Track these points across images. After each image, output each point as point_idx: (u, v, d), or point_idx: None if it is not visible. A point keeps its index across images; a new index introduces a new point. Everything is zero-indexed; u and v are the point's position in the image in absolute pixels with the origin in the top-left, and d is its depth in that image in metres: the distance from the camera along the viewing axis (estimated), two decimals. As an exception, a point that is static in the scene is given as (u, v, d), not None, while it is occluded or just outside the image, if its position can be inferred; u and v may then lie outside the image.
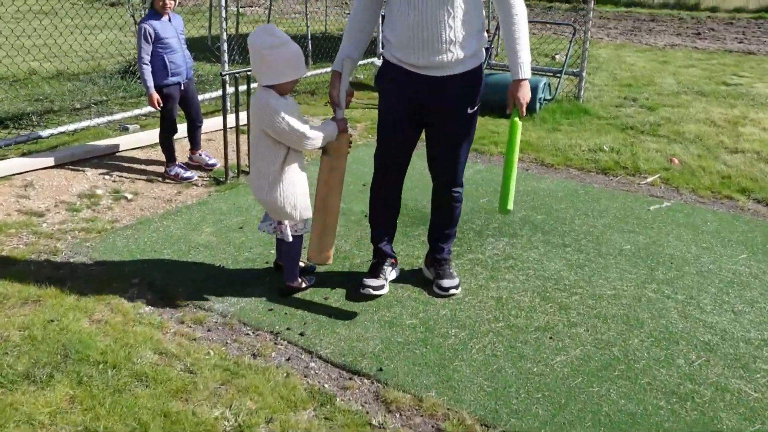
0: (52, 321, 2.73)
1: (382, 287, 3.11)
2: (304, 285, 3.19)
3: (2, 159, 4.63)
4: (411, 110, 2.97)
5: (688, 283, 3.36)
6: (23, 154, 4.84)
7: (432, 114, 2.95)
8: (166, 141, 4.75)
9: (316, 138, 2.88)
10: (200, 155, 5.00)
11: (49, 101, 6.41)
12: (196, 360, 2.56)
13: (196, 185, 4.68)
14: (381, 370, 2.60)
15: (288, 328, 2.88)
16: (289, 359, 2.67)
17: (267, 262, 3.48)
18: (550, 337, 2.86)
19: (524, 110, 2.85)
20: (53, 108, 6.19)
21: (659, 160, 5.34)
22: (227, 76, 4.67)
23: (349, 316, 2.98)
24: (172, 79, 4.59)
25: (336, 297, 3.15)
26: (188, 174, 4.75)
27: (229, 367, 2.54)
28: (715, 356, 2.75)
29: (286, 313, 3.00)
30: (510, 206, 2.77)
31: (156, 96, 4.53)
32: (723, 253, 3.71)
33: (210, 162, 4.99)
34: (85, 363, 2.46)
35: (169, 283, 3.23)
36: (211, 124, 5.58)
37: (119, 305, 2.97)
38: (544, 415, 2.38)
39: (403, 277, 3.35)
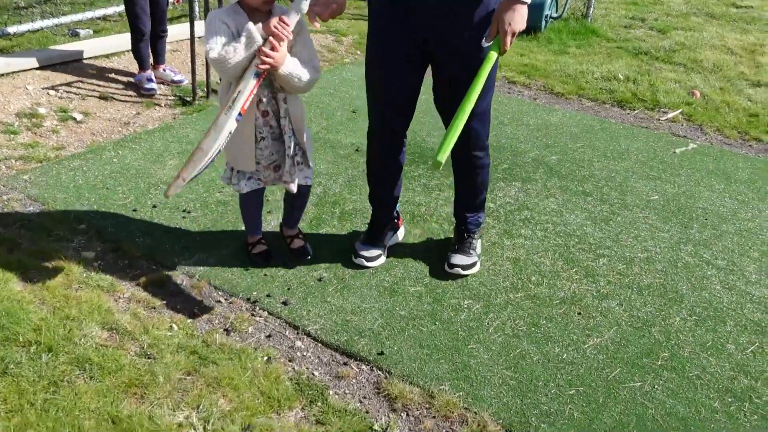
0: (-27, 284, 2.19)
1: (378, 257, 2.60)
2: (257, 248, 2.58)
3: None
4: (413, 46, 2.28)
5: (727, 245, 2.93)
6: (-47, 60, 4.11)
7: (440, 50, 2.26)
8: (138, 45, 4.07)
9: (223, 56, 2.01)
10: (164, 70, 4.33)
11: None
12: (156, 339, 2.07)
13: (159, 105, 4.04)
14: (382, 353, 2.15)
15: (268, 295, 2.39)
16: (269, 336, 2.19)
17: (242, 206, 2.94)
18: (579, 313, 2.42)
19: (508, 42, 2.07)
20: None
21: (679, 93, 4.82)
22: (195, -24, 3.93)
23: (342, 280, 2.50)
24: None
25: (325, 255, 2.65)
26: (150, 86, 4.11)
27: (196, 348, 2.06)
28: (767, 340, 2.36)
29: (265, 275, 2.50)
30: (442, 159, 1.97)
31: None
32: (762, 209, 3.28)
33: (176, 78, 4.32)
34: (12, 344, 1.95)
35: (123, 231, 2.69)
36: (175, 33, 4.85)
37: (61, 261, 2.43)
38: (580, 420, 1.96)
39: (404, 230, 2.85)
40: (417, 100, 2.44)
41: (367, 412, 1.92)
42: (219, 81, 4.21)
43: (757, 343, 2.34)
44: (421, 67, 2.36)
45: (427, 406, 1.96)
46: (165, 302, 2.30)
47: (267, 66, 2.03)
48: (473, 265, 2.59)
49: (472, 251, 2.61)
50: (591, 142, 3.95)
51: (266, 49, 2.02)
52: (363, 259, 2.56)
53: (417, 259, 2.66)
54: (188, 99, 4.14)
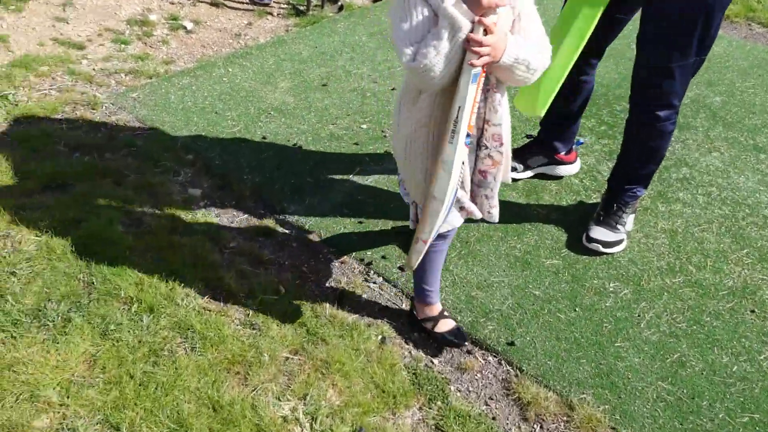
0: (78, 221, 2.06)
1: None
2: (442, 325, 1.85)
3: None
4: None
5: None
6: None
7: None
8: None
9: (428, 66, 1.35)
10: (277, -27, 3.97)
11: None
12: (261, 305, 1.87)
13: (271, 14, 3.73)
14: (513, 344, 1.86)
15: (384, 257, 2.13)
16: (384, 308, 1.95)
17: (357, 143, 2.66)
18: (752, 310, 2.01)
19: None
20: None
21: None
22: None
23: (466, 243, 2.19)
24: None
25: (448, 209, 2.34)
26: (265, -5, 3.79)
27: (305, 320, 1.84)
28: None
29: (380, 230, 2.23)
30: (541, 111, 1.89)
31: None
32: None
33: (289, -17, 3.96)
34: (114, 300, 1.81)
35: (231, 165, 2.48)
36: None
37: (167, 198, 2.26)
38: (754, 457, 1.62)
39: (539, 187, 2.48)
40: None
41: (494, 419, 1.67)
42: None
43: None
44: None
45: (565, 418, 1.68)
46: (272, 256, 2.09)
47: (485, 59, 1.36)
48: (618, 243, 2.18)
49: (620, 226, 2.20)
50: (764, 80, 3.31)
51: (478, 35, 1.34)
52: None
53: (555, 225, 2.30)
54: (302, 8, 3.80)
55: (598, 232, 2.18)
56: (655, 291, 2.05)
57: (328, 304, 1.92)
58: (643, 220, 2.34)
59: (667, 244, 2.24)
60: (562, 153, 2.48)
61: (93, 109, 2.74)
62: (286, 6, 3.84)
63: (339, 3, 3.85)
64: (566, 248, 2.20)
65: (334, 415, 1.59)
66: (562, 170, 2.51)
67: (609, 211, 2.22)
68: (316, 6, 3.83)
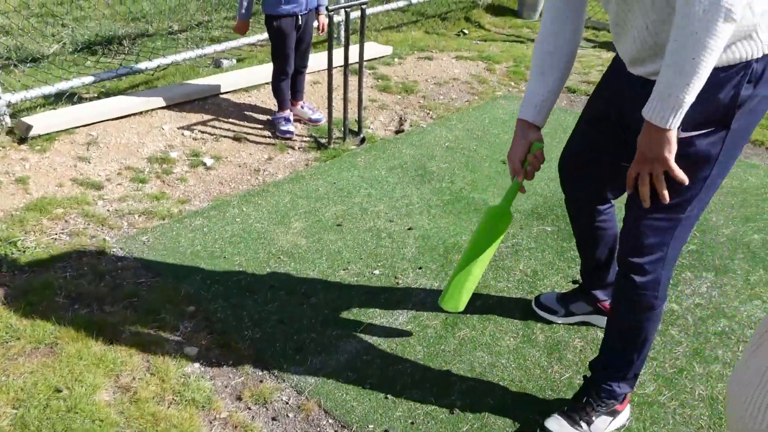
0: (59, 391, 1.94)
1: (553, 313, 2.05)
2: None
3: (74, 103, 3.91)
4: (608, 111, 1.82)
5: None
6: (99, 96, 4.09)
7: (628, 132, 1.68)
8: (279, 84, 3.83)
9: None
10: (302, 107, 4.04)
11: (145, 22, 5.64)
12: (246, 493, 1.69)
13: (293, 148, 3.75)
14: None
15: (387, 430, 1.93)
16: (384, 498, 1.74)
17: (368, 292, 2.53)
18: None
19: (633, 178, 1.59)
20: (148, 31, 5.41)
21: None
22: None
23: (480, 415, 1.99)
24: (286, 8, 3.58)
25: (461, 371, 2.15)
26: (287, 128, 3.83)
27: None
28: None
29: (386, 397, 2.05)
30: (452, 305, 2.03)
31: (245, 24, 3.65)
32: None
33: (313, 117, 4.02)
34: (83, 489, 1.65)
35: (233, 319, 2.37)
36: (315, 63, 4.56)
37: (160, 358, 2.14)
38: None
39: (562, 344, 2.29)
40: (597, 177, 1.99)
41: None
42: (358, 119, 3.85)
43: None
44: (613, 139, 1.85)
45: None
46: (265, 430, 1.92)
47: None
48: None
49: (582, 424, 1.87)
50: (808, 215, 3.11)
51: None
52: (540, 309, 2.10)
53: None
54: (323, 141, 3.82)
55: (554, 424, 1.88)
56: (696, 478, 1.80)
57: (320, 493, 1.72)
58: (677, 383, 2.11)
59: (707, 416, 1.99)
60: (606, 302, 2.29)
61: (100, 255, 2.70)
62: (308, 139, 3.87)
63: (361, 135, 3.86)
64: (592, 421, 1.97)
65: None
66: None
67: (578, 402, 1.92)
68: (338, 138, 3.85)
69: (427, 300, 2.49)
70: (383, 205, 3.14)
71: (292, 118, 3.94)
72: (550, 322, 2.37)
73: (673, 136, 1.47)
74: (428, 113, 4.28)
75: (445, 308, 2.00)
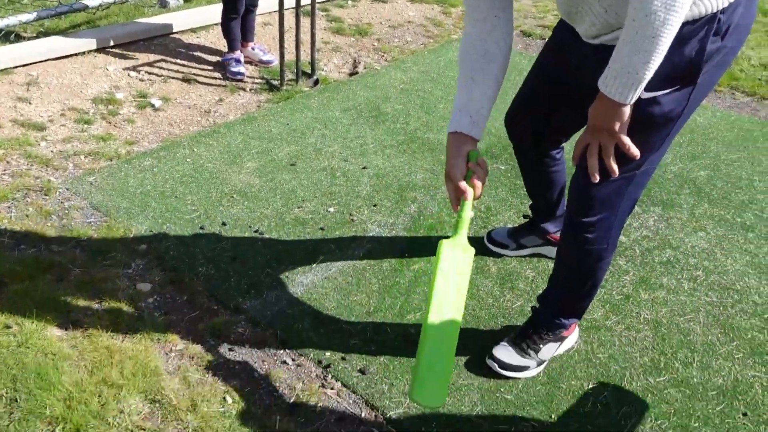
0: (9, 327, 1.89)
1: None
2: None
3: (9, 42, 3.71)
4: (560, 66, 1.77)
5: None
6: (37, 35, 3.89)
7: (581, 89, 1.62)
8: (228, 24, 3.71)
9: None
10: (253, 49, 3.94)
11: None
12: (203, 419, 1.69)
13: (244, 89, 3.67)
14: (481, 461, 1.67)
15: (344, 358, 1.96)
16: (341, 419, 1.77)
17: (322, 228, 2.52)
18: (744, 413, 1.83)
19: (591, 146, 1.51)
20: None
21: None
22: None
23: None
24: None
25: (415, 301, 2.19)
26: (237, 69, 3.73)
27: (250, 438, 1.66)
28: None
29: (343, 327, 2.07)
30: (418, 397, 1.38)
31: None
32: None
33: (264, 59, 3.92)
34: (36, 420, 1.63)
35: (186, 256, 2.33)
36: (267, 4, 4.43)
37: (112, 294, 2.11)
38: None
39: (514, 275, 2.34)
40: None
41: None
42: (311, 61, 3.79)
43: None
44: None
45: None
46: (221, 360, 1.92)
47: None
48: (521, 369, 1.90)
49: (530, 352, 1.91)
50: (750, 153, 3.22)
51: None
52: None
53: (526, 315, 2.13)
54: (275, 82, 3.74)
55: (501, 352, 1.91)
56: (638, 392, 1.88)
57: (278, 417, 1.74)
58: (624, 309, 2.19)
59: (651, 338, 2.08)
60: (556, 234, 2.34)
61: (46, 195, 2.61)
62: (260, 81, 3.78)
63: (315, 77, 3.79)
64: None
65: None
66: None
67: (525, 332, 1.95)
68: (290, 81, 3.77)
69: (382, 236, 2.50)
70: (337, 146, 3.11)
71: (242, 59, 3.84)
72: (502, 256, 2.41)
73: (629, 110, 1.41)
74: (383, 56, 4.22)
75: (421, 402, 1.39)
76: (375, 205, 2.67)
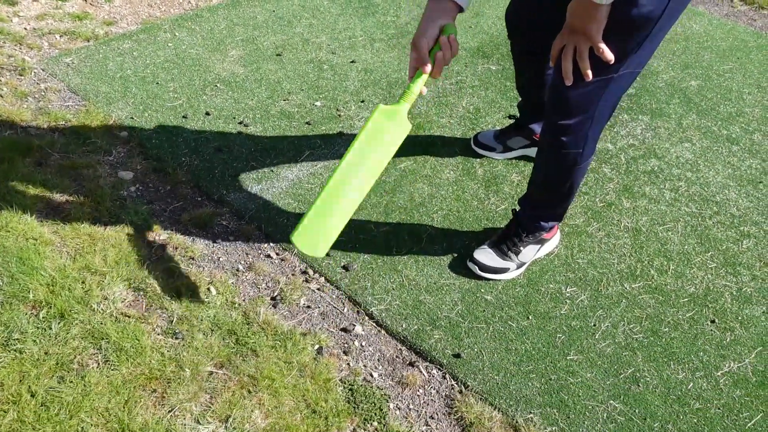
0: (-12, 210, 1.87)
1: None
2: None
3: None
4: None
5: None
6: None
7: None
8: None
9: None
10: (235, -75, 3.68)
11: None
12: (188, 309, 1.72)
13: (228, -29, 3.46)
14: (459, 356, 1.74)
15: (328, 254, 1.97)
16: (324, 314, 1.81)
17: (309, 123, 2.47)
18: (712, 320, 1.91)
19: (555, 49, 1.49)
20: None
21: None
22: None
23: (419, 240, 2.05)
24: None
25: (401, 202, 2.19)
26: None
27: (234, 326, 1.70)
28: None
29: (327, 223, 2.07)
30: (297, 241, 1.44)
31: None
32: None
33: (248, -63, 3.67)
34: (21, 304, 1.64)
35: (168, 145, 2.29)
36: None
37: (93, 182, 2.07)
38: (703, 484, 1.54)
39: (500, 177, 2.33)
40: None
41: (433, 442, 1.55)
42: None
43: None
44: None
45: (508, 442, 1.57)
46: (206, 251, 1.93)
47: None
48: (501, 271, 1.93)
49: (510, 254, 1.94)
50: (743, 64, 3.17)
51: None
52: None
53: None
54: (261, -35, 3.53)
55: (482, 254, 1.94)
56: (614, 297, 1.94)
57: (262, 309, 1.78)
58: (606, 216, 2.22)
59: (630, 245, 2.12)
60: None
61: (21, 75, 2.51)
62: (244, -37, 3.57)
63: (302, -39, 3.57)
64: (523, 247, 2.07)
65: (258, 440, 1.46)
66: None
67: (506, 234, 1.97)
68: (276, -36, 3.56)
69: (370, 133, 2.46)
70: (325, 37, 3.00)
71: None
72: (491, 159, 2.40)
73: (605, 11, 1.37)
74: (375, -59, 3.99)
75: (297, 246, 1.46)
76: (363, 101, 2.61)
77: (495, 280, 1.95)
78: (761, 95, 2.94)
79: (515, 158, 2.41)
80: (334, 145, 2.37)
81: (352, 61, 2.84)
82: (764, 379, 1.76)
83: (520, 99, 2.30)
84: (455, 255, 2.01)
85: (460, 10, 1.47)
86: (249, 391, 1.55)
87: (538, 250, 2.01)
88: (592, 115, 1.62)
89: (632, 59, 1.52)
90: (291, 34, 2.98)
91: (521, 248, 1.96)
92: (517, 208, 2.02)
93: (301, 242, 1.43)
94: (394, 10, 3.27)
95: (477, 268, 1.94)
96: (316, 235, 1.43)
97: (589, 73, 1.48)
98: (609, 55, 1.43)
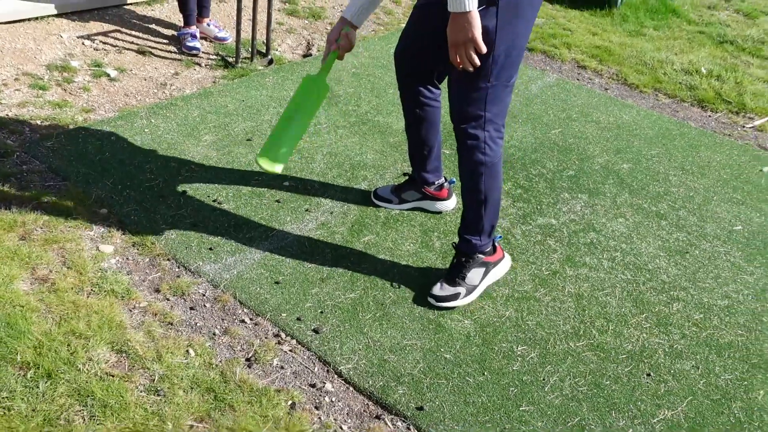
0: (-24, 280, 1.97)
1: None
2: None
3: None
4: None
5: (820, 298, 2.56)
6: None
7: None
8: None
9: None
10: (208, 25, 4.00)
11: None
12: (169, 369, 1.83)
13: (199, 65, 3.74)
14: (422, 408, 1.89)
15: (299, 319, 2.13)
16: (296, 373, 1.94)
17: (278, 200, 2.67)
18: (648, 374, 2.11)
19: (455, 56, 1.92)
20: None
21: (769, 97, 4.33)
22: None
23: (381, 306, 2.22)
24: None
25: (366, 270, 2.37)
26: (193, 44, 3.80)
27: (213, 384, 1.82)
28: None
29: (296, 290, 2.24)
30: (268, 163, 2.16)
31: None
32: None
33: (219, 35, 4.00)
34: (9, 365, 1.73)
35: (147, 221, 2.44)
36: (224, -18, 4.48)
37: (75, 255, 2.20)
38: None
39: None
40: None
41: (399, 487, 1.68)
42: (265, 41, 3.90)
43: None
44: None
45: (469, 485, 1.70)
46: (184, 318, 2.06)
47: None
48: (452, 297, 2.22)
49: (458, 281, 2.24)
50: (668, 149, 3.55)
51: None
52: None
53: (467, 286, 2.36)
54: (231, 60, 3.83)
55: (437, 288, 2.24)
56: (560, 355, 2.13)
57: (238, 369, 1.90)
58: (551, 282, 2.44)
59: (573, 308, 2.34)
60: (432, 188, 2.66)
61: (3, 157, 2.65)
62: (215, 57, 3.86)
63: (269, 57, 3.90)
64: (479, 310, 2.26)
65: (237, 487, 1.56)
66: (439, 206, 2.70)
67: (452, 266, 2.30)
68: (245, 59, 3.87)
69: (335, 209, 2.67)
70: (292, 124, 3.25)
71: (198, 34, 3.90)
72: (447, 232, 2.63)
73: (475, 16, 1.81)
74: (336, 40, 4.36)
75: (261, 164, 2.14)
76: (328, 181, 2.84)
77: (452, 306, 2.20)
78: (685, 176, 3.29)
79: (409, 209, 2.69)
80: (302, 221, 2.57)
81: (317, 146, 3.09)
82: (695, 425, 1.95)
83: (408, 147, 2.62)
84: (416, 318, 2.18)
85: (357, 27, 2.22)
86: (228, 443, 1.66)
87: (485, 273, 2.28)
88: (485, 118, 2.07)
89: (495, 70, 1.98)
90: (260, 121, 3.23)
91: (466, 273, 2.24)
92: (456, 241, 2.31)
93: (263, 162, 2.14)
94: (355, 100, 3.57)
95: (434, 300, 2.21)
96: (273, 158, 2.15)
97: (477, 61, 1.90)
98: (484, 47, 1.87)
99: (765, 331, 2.35)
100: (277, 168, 2.14)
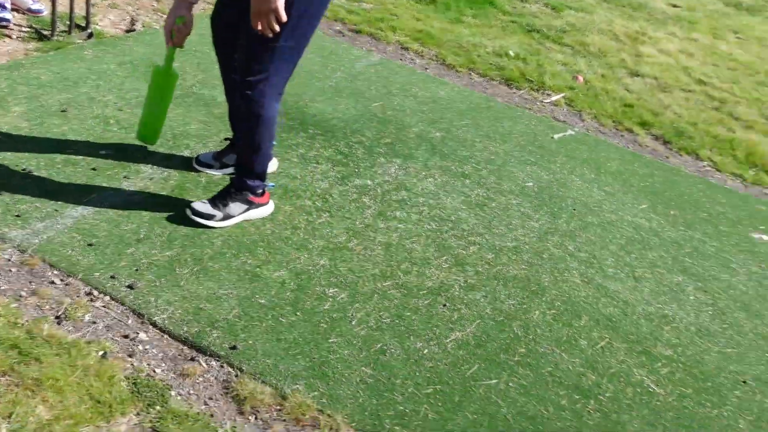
0: None
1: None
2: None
3: None
4: None
5: (590, 238, 3.01)
6: None
7: None
8: None
9: None
10: (20, -5, 3.81)
11: None
12: (-31, 328, 1.81)
13: (10, 36, 3.56)
14: (235, 348, 2.01)
15: (112, 276, 2.16)
16: (109, 326, 1.99)
17: (94, 168, 2.65)
18: (444, 304, 2.39)
19: (257, 24, 2.11)
20: None
21: (565, 76, 4.89)
22: None
23: (199, 261, 2.31)
24: None
25: (183, 231, 2.44)
26: (2, 15, 3.60)
27: (18, 341, 1.82)
28: (617, 336, 2.44)
29: (111, 251, 2.26)
30: (150, 140, 2.74)
31: None
32: (624, 201, 3.40)
33: (33, 7, 3.82)
34: None
35: (-55, 190, 2.34)
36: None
37: None
38: (434, 421, 1.94)
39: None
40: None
41: (211, 416, 1.79)
42: (85, 15, 3.78)
43: (608, 339, 2.42)
44: None
45: (278, 407, 1.86)
46: (-12, 281, 2.02)
47: None
48: (209, 217, 2.46)
49: (219, 205, 2.47)
50: (476, 120, 3.92)
51: None
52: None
53: (284, 241, 2.51)
54: (46, 33, 3.68)
55: (199, 204, 2.47)
56: (368, 294, 2.35)
57: (46, 325, 1.91)
58: (363, 234, 2.66)
59: (382, 255, 2.57)
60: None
61: None
62: (28, 29, 3.69)
63: (89, 30, 3.79)
64: (294, 261, 2.42)
65: (42, 429, 1.60)
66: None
67: (221, 192, 2.51)
68: (62, 32, 3.73)
69: (155, 176, 2.70)
70: (112, 96, 3.21)
71: (9, 5, 3.70)
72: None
73: None
74: (162, 16, 4.32)
75: (144, 141, 2.70)
76: (148, 149, 2.86)
77: (204, 224, 2.45)
78: (488, 143, 3.67)
79: (231, 174, 2.75)
80: (120, 187, 2.58)
81: (139, 118, 3.08)
82: (480, 342, 2.25)
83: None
84: (233, 270, 2.30)
85: (194, 2, 2.34)
86: (32, 391, 1.68)
87: (246, 210, 2.51)
88: (268, 78, 2.25)
89: (286, 33, 2.14)
90: (77, 93, 3.16)
91: (229, 202, 2.47)
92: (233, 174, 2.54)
93: (140, 137, 2.68)
94: (180, 74, 3.57)
95: (190, 212, 2.45)
96: (145, 133, 2.67)
97: (277, 28, 2.08)
98: (285, 17, 2.06)
99: (544, 266, 2.73)
100: (153, 142, 2.70)
